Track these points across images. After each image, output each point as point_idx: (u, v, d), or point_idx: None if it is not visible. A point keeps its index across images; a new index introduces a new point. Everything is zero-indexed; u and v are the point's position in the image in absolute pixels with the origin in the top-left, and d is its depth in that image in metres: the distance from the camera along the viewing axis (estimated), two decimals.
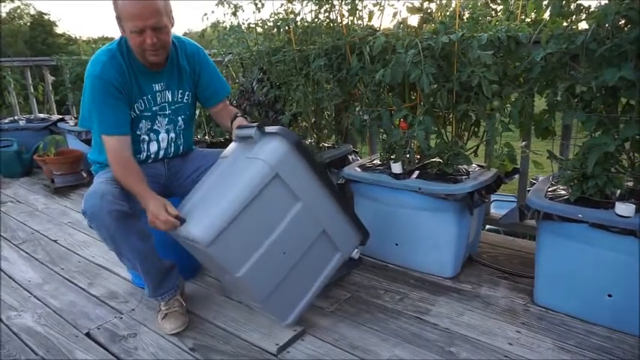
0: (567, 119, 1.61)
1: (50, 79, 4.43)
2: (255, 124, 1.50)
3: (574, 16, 1.63)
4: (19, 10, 24.70)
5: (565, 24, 1.65)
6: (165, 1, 1.50)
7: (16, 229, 2.67)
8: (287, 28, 2.28)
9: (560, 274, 1.60)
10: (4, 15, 23.97)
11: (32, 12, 24.74)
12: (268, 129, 1.48)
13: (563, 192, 1.62)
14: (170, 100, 1.67)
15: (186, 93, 1.70)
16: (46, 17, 24.65)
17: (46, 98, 4.45)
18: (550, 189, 1.67)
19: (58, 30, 24.96)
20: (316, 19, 2.25)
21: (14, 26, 24.12)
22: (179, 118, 1.71)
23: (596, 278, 1.51)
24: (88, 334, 1.62)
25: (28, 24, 24.51)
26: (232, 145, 1.67)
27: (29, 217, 2.86)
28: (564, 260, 1.58)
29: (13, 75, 4.23)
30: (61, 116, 4.22)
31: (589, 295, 1.55)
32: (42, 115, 4.31)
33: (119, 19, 1.48)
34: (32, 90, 4.36)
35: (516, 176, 2.04)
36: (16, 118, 4.22)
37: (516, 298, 1.75)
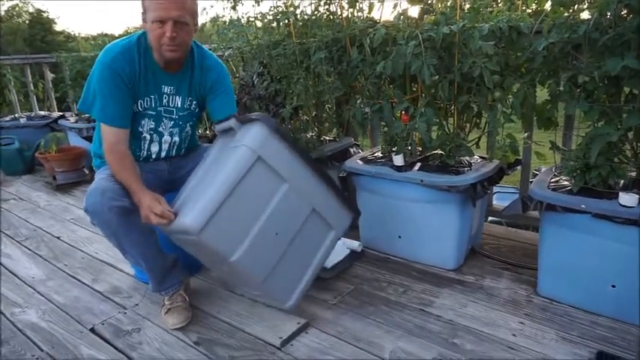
0: (570, 109, 1.60)
1: (50, 76, 4.42)
2: (233, 114, 1.53)
3: (576, 6, 1.62)
4: (17, 8, 24.66)
5: (566, 14, 1.64)
6: (194, 1, 1.51)
7: (18, 227, 2.67)
8: (287, 21, 2.27)
9: (564, 265, 1.60)
10: (2, 13, 23.92)
11: (31, 10, 24.69)
12: (246, 117, 1.52)
13: (566, 183, 1.62)
14: (179, 106, 1.65)
15: (194, 102, 1.68)
16: (44, 15, 24.60)
17: (46, 95, 4.44)
18: (553, 180, 1.67)
19: (57, 27, 24.93)
20: (316, 12, 2.24)
21: (13, 24, 24.08)
22: (187, 125, 1.71)
23: (600, 269, 1.51)
24: (92, 330, 1.62)
25: (27, 22, 24.46)
26: (215, 140, 1.70)
27: (31, 214, 2.86)
28: (567, 251, 1.57)
29: (13, 73, 4.23)
30: (61, 113, 4.21)
31: (592, 286, 1.55)
32: (42, 113, 4.31)
33: (144, 10, 1.48)
34: (32, 87, 4.35)
35: (518, 167, 2.03)
36: (16, 115, 4.21)
37: (519, 289, 1.75)
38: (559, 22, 1.56)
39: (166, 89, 1.61)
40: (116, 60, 1.50)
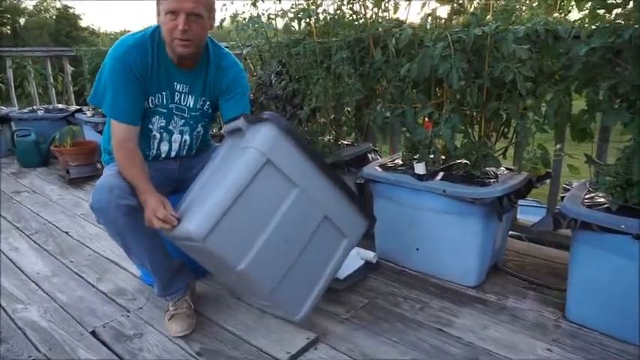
0: (609, 120, 1.49)
1: (70, 69, 4.43)
2: (241, 114, 1.45)
3: (619, 9, 1.50)
4: (45, 4, 25.21)
5: (608, 17, 1.52)
6: None
7: (29, 219, 2.64)
8: (308, 19, 2.19)
9: (596, 288, 1.48)
10: (30, 8, 24.48)
11: (58, 6, 25.22)
12: (256, 117, 1.43)
13: (602, 200, 1.50)
14: (191, 106, 1.58)
15: (207, 102, 1.61)
16: (70, 11, 25.09)
17: (65, 89, 4.45)
18: (587, 196, 1.55)
19: (83, 24, 25.40)
20: (338, 11, 2.16)
21: (40, 19, 24.63)
22: (199, 125, 1.63)
23: (636, 295, 1.38)
24: (93, 333, 1.55)
25: (54, 17, 24.99)
26: (223, 141, 1.61)
27: (43, 208, 2.83)
28: (601, 274, 1.45)
29: (34, 65, 4.24)
30: (78, 107, 4.21)
31: (628, 313, 1.42)
32: (60, 106, 4.31)
33: (158, 1, 1.41)
34: (52, 80, 4.36)
35: (547, 181, 1.91)
36: (34, 108, 4.22)
37: (546, 312, 1.63)
38: (602, 26, 1.45)
39: (179, 87, 1.54)
40: (128, 53, 1.43)
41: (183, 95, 1.56)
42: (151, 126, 1.56)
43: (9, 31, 22.65)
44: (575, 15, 1.77)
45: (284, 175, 1.37)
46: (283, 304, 1.48)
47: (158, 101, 1.53)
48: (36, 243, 2.31)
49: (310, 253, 1.45)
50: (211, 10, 1.46)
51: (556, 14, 1.75)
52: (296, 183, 1.39)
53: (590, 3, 1.52)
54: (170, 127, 1.58)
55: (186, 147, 1.65)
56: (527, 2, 1.85)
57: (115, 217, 1.38)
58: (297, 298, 1.48)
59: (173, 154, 1.64)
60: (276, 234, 1.37)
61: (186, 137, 1.63)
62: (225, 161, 1.49)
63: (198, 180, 1.53)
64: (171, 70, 1.51)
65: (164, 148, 1.61)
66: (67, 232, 2.43)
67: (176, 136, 1.61)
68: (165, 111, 1.55)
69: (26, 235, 2.41)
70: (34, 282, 1.92)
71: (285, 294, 1.44)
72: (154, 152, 1.61)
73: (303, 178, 1.40)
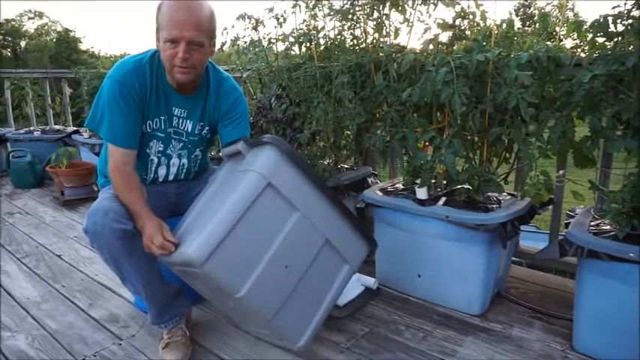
0: (613, 147, 1.47)
1: (68, 91, 4.43)
2: (241, 138, 1.43)
3: (619, 38, 1.52)
4: (46, 27, 25.58)
5: (608, 45, 1.53)
6: (212, 21, 1.41)
7: (21, 242, 2.58)
8: (308, 44, 2.20)
9: (604, 317, 1.44)
10: (32, 31, 24.79)
11: (59, 29, 25.58)
12: (256, 140, 1.40)
13: (608, 227, 1.47)
14: (189, 131, 1.56)
15: (206, 127, 1.59)
16: (71, 34, 25.44)
17: (63, 110, 4.44)
18: (593, 223, 1.53)
19: (83, 47, 25.72)
20: (339, 36, 2.17)
21: (41, 42, 24.92)
22: (197, 149, 1.61)
23: None
24: None
25: (54, 40, 25.31)
26: (222, 164, 1.59)
27: (35, 230, 2.77)
28: (610, 303, 1.42)
29: (32, 86, 4.24)
30: (75, 128, 4.19)
31: (638, 345, 1.38)
32: (57, 127, 4.29)
33: (158, 27, 1.38)
34: (50, 102, 4.35)
35: (549, 207, 1.89)
36: (31, 129, 4.19)
37: (553, 342, 1.58)
38: (604, 54, 1.45)
39: (177, 111, 1.52)
40: (127, 76, 1.41)
41: (181, 120, 1.54)
42: (148, 150, 1.53)
43: (9, 54, 22.87)
44: (569, 43, 1.80)
45: (285, 198, 1.34)
46: (283, 332, 1.42)
47: (156, 125, 1.51)
48: (27, 267, 2.25)
49: (311, 279, 1.41)
50: (212, 37, 1.44)
51: (548, 43, 1.76)
52: (297, 206, 1.36)
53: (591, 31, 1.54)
54: (168, 152, 1.56)
55: (184, 171, 1.62)
56: (529, 29, 1.87)
57: (109, 241, 1.34)
58: (298, 326, 1.42)
59: (171, 177, 1.61)
60: (277, 259, 1.33)
61: (185, 161, 1.60)
62: (224, 185, 1.46)
63: (196, 203, 1.50)
64: (170, 95, 1.49)
65: (162, 172, 1.58)
66: (59, 256, 2.37)
67: (174, 160, 1.58)
68: (163, 135, 1.53)
69: (17, 259, 2.34)
70: (23, 308, 1.85)
71: (284, 322, 1.38)
72: (152, 176, 1.58)
73: (304, 201, 1.37)
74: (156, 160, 1.55)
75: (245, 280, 1.28)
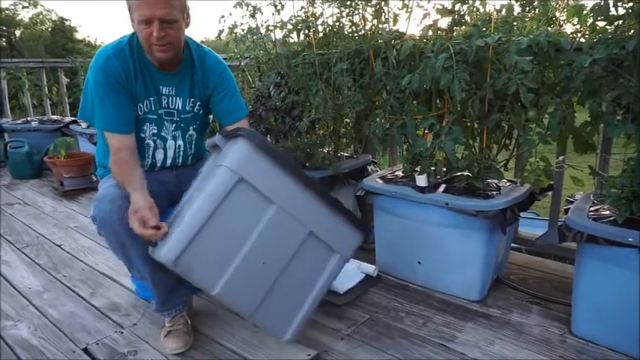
0: (613, 132, 1.47)
1: (65, 80, 4.40)
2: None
3: (621, 21, 1.50)
4: (41, 16, 25.29)
5: (609, 29, 1.52)
6: None
7: (20, 233, 2.58)
8: (307, 31, 2.18)
9: (603, 302, 1.45)
10: (26, 20, 24.52)
11: (54, 18, 25.29)
12: (231, 132, 1.37)
13: (607, 212, 1.48)
14: (180, 108, 1.55)
15: (197, 103, 1.58)
16: (67, 23, 25.16)
17: (60, 100, 4.41)
18: (592, 208, 1.53)
19: (78, 36, 25.46)
20: (338, 23, 2.15)
21: (36, 31, 24.66)
22: (190, 128, 1.60)
23: None
24: (85, 350, 1.50)
25: (50, 29, 25.03)
26: (208, 156, 1.58)
27: (35, 220, 2.77)
28: (608, 288, 1.43)
29: (28, 76, 4.20)
30: (73, 118, 4.17)
31: (636, 328, 1.39)
32: (54, 117, 4.27)
33: (130, 9, 1.38)
34: (47, 91, 4.32)
35: (549, 193, 1.89)
36: (28, 119, 4.17)
37: (551, 327, 1.59)
38: (604, 38, 1.44)
39: (164, 90, 1.51)
40: (109, 62, 1.41)
41: (170, 98, 1.53)
42: (143, 134, 1.53)
43: (4, 43, 22.65)
44: (569, 28, 1.78)
45: (259, 192, 1.31)
46: (267, 326, 1.42)
47: (147, 108, 1.50)
48: (27, 257, 2.25)
49: (294, 272, 1.38)
50: (184, 9, 1.42)
51: (549, 28, 1.74)
52: (273, 200, 1.32)
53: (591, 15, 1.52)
54: (163, 134, 1.55)
55: (181, 154, 1.61)
56: (529, 15, 1.85)
57: (117, 228, 1.34)
58: (283, 319, 1.41)
59: (169, 162, 1.60)
60: (253, 255, 1.31)
61: (180, 142, 1.59)
62: (204, 179, 1.43)
63: (185, 196, 1.48)
64: (154, 74, 1.49)
65: (159, 156, 1.58)
66: (59, 246, 2.38)
67: (170, 143, 1.57)
68: (155, 117, 1.53)
69: (17, 249, 2.35)
70: (24, 297, 1.86)
71: (266, 316, 1.38)
72: (150, 161, 1.57)
73: (281, 194, 1.34)
74: (152, 143, 1.55)
75: (219, 278, 1.28)
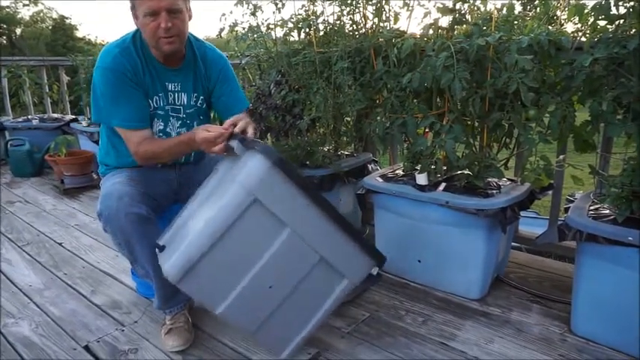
0: (613, 131, 1.47)
1: (66, 79, 4.40)
2: (240, 136, 1.32)
3: (622, 20, 1.50)
4: (41, 14, 25.26)
5: (610, 28, 1.52)
6: None
7: (21, 230, 2.59)
8: (307, 29, 2.18)
9: (603, 301, 1.45)
10: (27, 18, 24.51)
11: (54, 16, 25.27)
12: (251, 142, 1.29)
13: (607, 211, 1.48)
14: (185, 103, 1.56)
15: (200, 97, 1.60)
16: (67, 21, 25.13)
17: (60, 98, 4.41)
18: (592, 207, 1.53)
19: (79, 34, 25.44)
20: (338, 22, 2.15)
21: (37, 29, 24.64)
22: (194, 123, 1.60)
23: None
24: (86, 347, 1.51)
25: (50, 27, 25.01)
26: (221, 159, 1.51)
27: (36, 218, 2.78)
28: (608, 287, 1.43)
29: (29, 74, 4.20)
30: (74, 116, 4.17)
31: (634, 327, 1.39)
32: (55, 115, 4.27)
33: (133, 5, 1.38)
34: (47, 90, 4.32)
35: (549, 192, 1.90)
36: (29, 117, 4.18)
37: (551, 325, 1.60)
38: (605, 37, 1.44)
39: (171, 86, 1.52)
40: (116, 60, 1.41)
41: (176, 94, 1.54)
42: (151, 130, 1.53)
43: (5, 41, 22.64)
44: (569, 28, 1.78)
45: (273, 215, 1.24)
46: (266, 344, 1.42)
47: (157, 104, 1.51)
48: (28, 254, 2.26)
49: (300, 296, 1.34)
50: (187, 0, 1.44)
51: (550, 27, 1.74)
52: (286, 223, 1.26)
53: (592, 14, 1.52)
54: (168, 130, 1.56)
55: None
56: (530, 14, 1.85)
57: (123, 225, 1.35)
58: (282, 340, 1.39)
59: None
60: (260, 278, 1.28)
61: None
62: (218, 186, 1.39)
63: (196, 196, 1.44)
64: (160, 71, 1.50)
65: None
66: (60, 244, 2.38)
67: None
68: (162, 113, 1.54)
69: (18, 247, 2.35)
70: (25, 295, 1.87)
71: (266, 337, 1.38)
72: None
73: (295, 217, 1.27)
74: None
75: (223, 299, 1.27)
